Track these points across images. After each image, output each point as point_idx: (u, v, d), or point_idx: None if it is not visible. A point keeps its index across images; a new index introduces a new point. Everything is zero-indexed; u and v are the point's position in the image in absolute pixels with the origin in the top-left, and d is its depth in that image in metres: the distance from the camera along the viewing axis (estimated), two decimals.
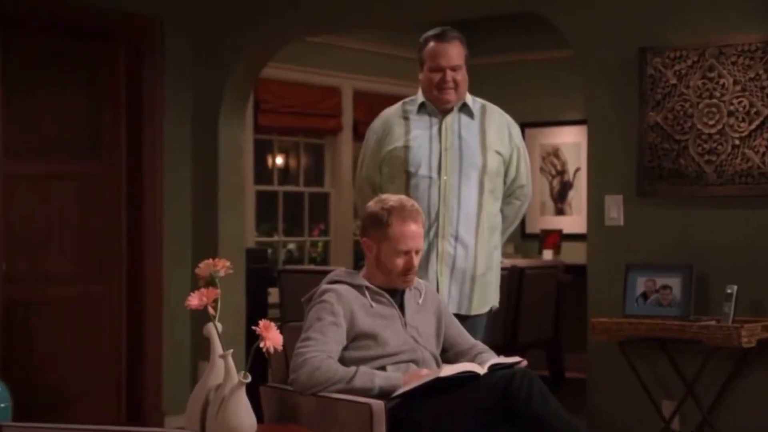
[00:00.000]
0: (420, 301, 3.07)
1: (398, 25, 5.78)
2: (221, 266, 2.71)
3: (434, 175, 3.37)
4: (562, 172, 8.13)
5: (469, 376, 2.79)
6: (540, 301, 6.54)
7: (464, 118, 3.48)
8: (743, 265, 4.19)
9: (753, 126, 4.19)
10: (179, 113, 5.52)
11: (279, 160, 7.49)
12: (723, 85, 4.25)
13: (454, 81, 3.44)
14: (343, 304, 2.93)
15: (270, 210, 7.34)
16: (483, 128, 3.48)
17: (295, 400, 2.89)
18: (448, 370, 2.78)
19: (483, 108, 3.55)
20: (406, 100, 3.56)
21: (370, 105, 6.90)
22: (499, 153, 3.47)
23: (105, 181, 5.32)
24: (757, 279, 4.16)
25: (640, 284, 4.28)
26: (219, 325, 2.68)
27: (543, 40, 7.34)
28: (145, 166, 5.36)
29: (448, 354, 3.10)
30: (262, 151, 7.28)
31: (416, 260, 3.00)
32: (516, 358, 2.92)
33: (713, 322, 4.06)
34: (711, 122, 4.28)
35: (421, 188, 3.36)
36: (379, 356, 2.91)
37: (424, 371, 2.89)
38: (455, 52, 3.47)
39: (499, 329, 6.09)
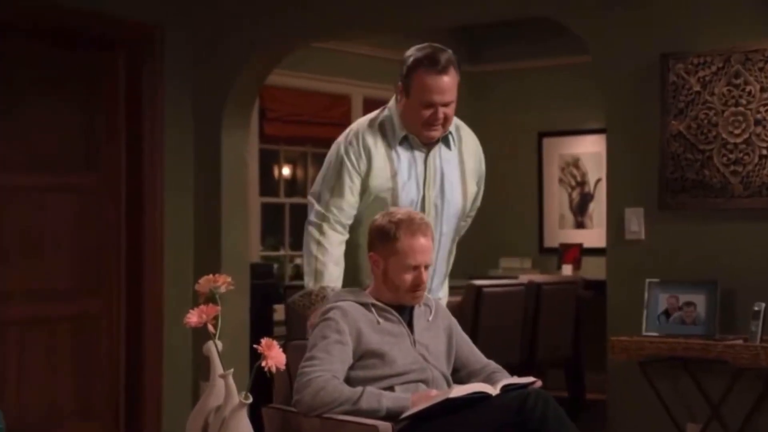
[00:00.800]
0: (430, 318, 3.07)
1: (409, 30, 5.79)
2: (222, 282, 2.72)
3: None
4: (582, 183, 8.12)
5: (480, 397, 2.78)
6: (559, 318, 6.53)
7: (444, 149, 3.26)
8: None
9: None
10: (180, 123, 5.54)
11: (285, 171, 7.51)
12: (749, 93, 4.24)
13: (445, 116, 3.18)
14: (348, 321, 2.94)
15: (276, 223, 7.35)
16: (462, 158, 3.30)
17: (298, 421, 2.89)
18: (459, 390, 2.78)
19: (458, 132, 3.32)
20: (382, 119, 3.24)
21: None
22: (477, 185, 3.37)
23: (103, 194, 5.34)
24: None
25: (662, 301, 4.27)
26: (219, 344, 2.69)
27: (560, 45, 7.35)
28: (145, 178, 5.38)
29: (460, 374, 3.09)
30: (267, 161, 7.29)
31: (425, 275, 3.00)
32: (530, 379, 2.91)
33: (740, 342, 4.05)
34: (737, 131, 4.27)
35: None
36: (387, 376, 2.91)
37: (434, 392, 2.88)
38: (450, 85, 3.17)
39: (516, 348, 6.08)
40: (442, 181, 3.23)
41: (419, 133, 3.19)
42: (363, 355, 2.92)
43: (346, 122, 7.62)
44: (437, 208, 3.22)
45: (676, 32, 4.40)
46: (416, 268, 2.97)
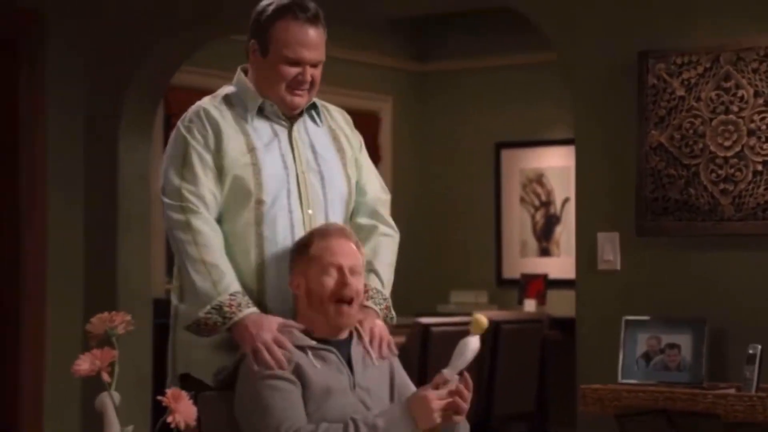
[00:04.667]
0: (375, 362, 3.08)
1: (349, 21, 5.83)
2: (120, 321, 2.71)
3: (295, 207, 3.11)
4: (547, 204, 8.22)
5: None
6: (520, 363, 6.59)
7: (310, 123, 3.20)
8: None
9: None
10: (67, 131, 5.51)
11: None
12: (742, 98, 4.32)
13: (312, 79, 3.11)
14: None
15: None
16: (334, 135, 3.23)
17: None
18: None
19: (324, 108, 3.25)
20: (228, 93, 3.17)
21: None
22: (356, 160, 3.26)
23: None
24: None
25: (642, 343, 4.32)
26: (116, 395, 2.68)
27: (521, 40, 7.44)
28: (22, 198, 5.34)
29: None
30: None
31: (354, 282, 2.99)
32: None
33: (732, 391, 4.11)
34: (727, 143, 4.35)
35: (281, 224, 3.08)
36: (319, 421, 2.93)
37: (431, 393, 2.89)
38: (320, 40, 3.10)
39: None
40: (315, 159, 3.16)
41: (282, 98, 3.11)
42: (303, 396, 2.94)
43: None
44: (316, 191, 3.13)
45: (656, 26, 4.47)
46: (339, 269, 2.98)
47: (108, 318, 2.72)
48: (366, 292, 3.13)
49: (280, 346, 2.95)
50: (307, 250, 3.00)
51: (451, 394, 2.91)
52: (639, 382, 4.28)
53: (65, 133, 5.51)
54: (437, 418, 2.86)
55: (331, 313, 3.00)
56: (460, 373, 2.95)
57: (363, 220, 3.25)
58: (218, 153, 3.09)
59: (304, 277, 3.00)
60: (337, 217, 3.16)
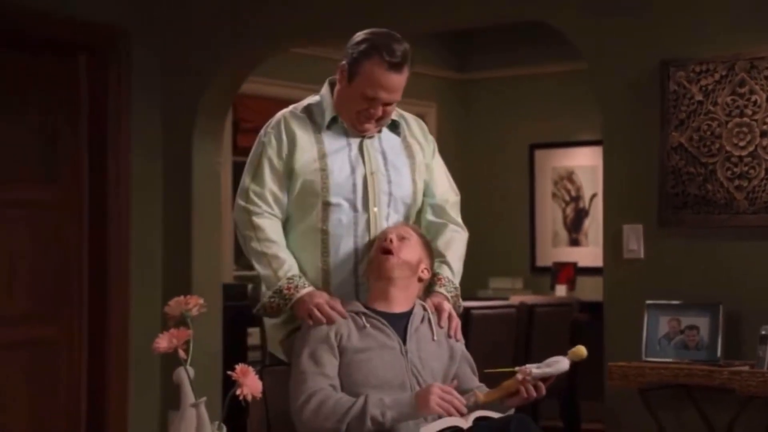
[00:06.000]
0: (435, 338, 3.04)
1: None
2: (194, 304, 2.71)
3: (360, 206, 3.07)
4: (576, 198, 8.16)
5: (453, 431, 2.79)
6: (552, 342, 6.53)
7: (386, 132, 3.15)
8: None
9: None
10: (148, 134, 5.54)
11: None
12: (755, 102, 4.27)
13: (384, 114, 3.08)
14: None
15: None
16: (407, 143, 3.18)
17: None
18: (428, 429, 2.78)
19: (403, 119, 3.21)
20: (310, 104, 3.16)
21: None
22: (427, 165, 3.22)
23: (63, 211, 5.31)
24: None
25: (663, 324, 4.29)
26: (191, 370, 2.68)
27: (553, 51, 7.39)
28: (109, 193, 5.37)
29: None
30: (241, 175, 7.28)
31: (395, 240, 3.01)
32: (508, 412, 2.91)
33: (746, 368, 4.06)
34: (742, 143, 4.30)
35: (345, 222, 3.06)
36: (361, 385, 2.91)
37: (436, 390, 2.83)
38: (402, 84, 3.05)
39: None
40: (385, 164, 3.12)
41: (352, 123, 3.08)
42: (342, 359, 2.92)
43: None
44: (383, 191, 3.10)
45: (677, 38, 4.43)
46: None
47: (183, 301, 2.72)
48: (439, 280, 3.12)
49: (332, 306, 2.96)
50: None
51: (524, 383, 2.90)
52: (661, 359, 4.24)
53: (146, 136, 5.53)
54: (436, 408, 2.79)
55: (376, 261, 3.00)
56: (543, 380, 2.92)
57: (432, 218, 3.22)
58: (290, 158, 3.08)
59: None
60: (399, 216, 3.14)
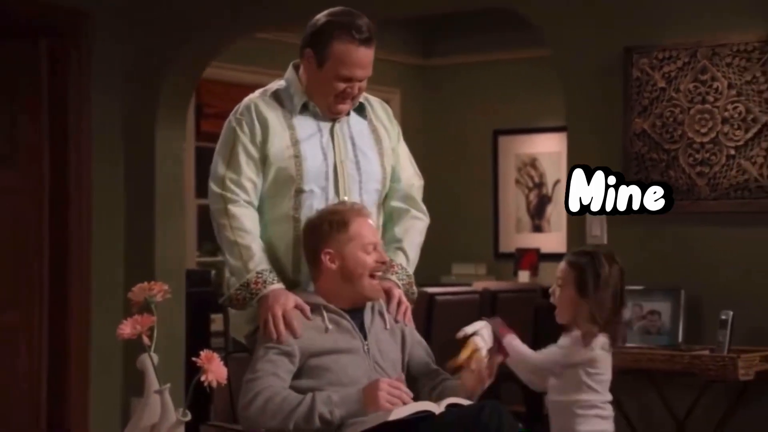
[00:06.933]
0: (387, 327, 3.06)
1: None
2: (158, 290, 2.69)
3: (331, 194, 3.06)
4: (539, 185, 8.18)
5: (424, 416, 2.79)
6: (515, 328, 6.55)
7: (354, 118, 3.15)
8: (739, 288, 4.23)
9: (750, 134, 4.24)
10: (110, 118, 5.49)
11: None
12: (717, 89, 4.30)
13: (359, 90, 3.08)
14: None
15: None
16: (373, 127, 3.18)
17: None
18: (399, 411, 2.77)
19: (367, 101, 3.20)
20: (278, 89, 3.12)
21: None
22: (393, 150, 3.22)
23: (23, 195, 5.27)
24: (754, 304, 4.20)
25: (626, 310, 4.30)
26: (155, 357, 2.67)
27: (517, 37, 7.39)
28: (70, 177, 5.32)
29: (412, 382, 3.08)
30: (205, 160, 7.24)
31: (384, 253, 3.02)
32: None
33: (706, 352, 4.09)
34: (703, 130, 4.33)
35: (316, 207, 3.05)
36: (334, 384, 2.90)
37: (384, 382, 2.85)
38: (372, 58, 3.06)
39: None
40: (354, 150, 3.12)
41: (328, 107, 3.06)
42: (308, 363, 2.91)
43: None
44: (353, 179, 3.10)
45: (640, 25, 4.44)
46: (375, 247, 2.98)
47: (147, 287, 2.71)
48: (392, 267, 3.12)
49: (288, 323, 2.93)
50: (347, 228, 2.97)
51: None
52: (623, 345, 4.25)
53: (108, 120, 5.49)
54: (384, 404, 2.78)
55: (366, 286, 2.99)
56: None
57: (396, 204, 3.21)
58: (264, 145, 3.05)
59: (341, 252, 2.97)
60: (370, 203, 3.13)
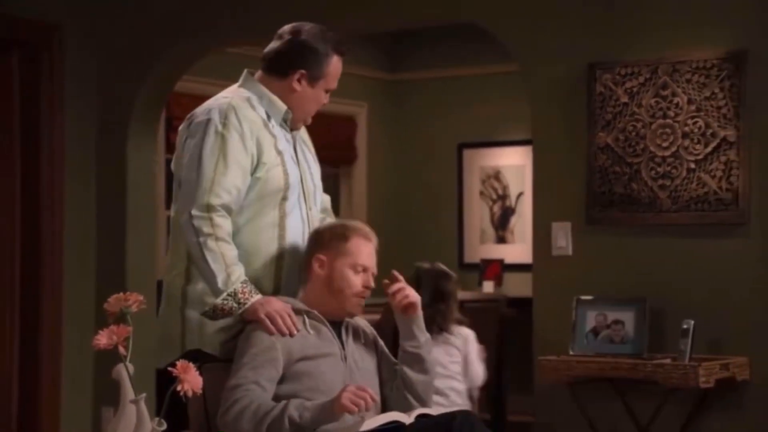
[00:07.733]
0: (363, 340, 3.07)
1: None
2: (134, 301, 2.69)
3: (302, 204, 3.11)
4: (503, 197, 8.22)
5: (394, 427, 2.80)
6: (480, 337, 6.58)
7: (303, 131, 3.24)
8: (700, 298, 4.28)
9: (709, 149, 4.29)
10: (82, 131, 5.46)
11: None
12: (677, 105, 4.35)
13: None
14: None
15: None
16: (304, 138, 3.25)
17: None
18: (371, 422, 2.79)
19: None
20: (248, 96, 3.07)
21: None
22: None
23: None
24: (715, 313, 4.24)
25: (591, 319, 4.34)
26: (131, 367, 2.66)
27: (483, 52, 7.43)
28: (42, 189, 5.28)
29: (382, 391, 3.09)
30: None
31: (372, 282, 3.04)
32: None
33: (669, 361, 4.13)
34: (665, 144, 4.37)
35: (295, 218, 3.08)
36: (311, 390, 2.91)
37: (350, 388, 2.84)
38: None
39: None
40: (307, 161, 3.18)
41: (306, 117, 3.14)
42: (289, 368, 2.91)
43: None
44: (311, 190, 3.15)
45: (604, 42, 4.49)
46: (365, 271, 3.00)
47: (123, 298, 2.70)
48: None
49: (285, 321, 2.95)
50: (345, 242, 2.99)
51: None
52: (588, 354, 4.29)
53: (80, 133, 5.46)
54: (346, 402, 2.76)
55: (352, 304, 3.01)
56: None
57: (322, 213, 3.27)
58: (258, 148, 3.02)
59: (331, 262, 2.99)
60: (316, 212, 3.19)
